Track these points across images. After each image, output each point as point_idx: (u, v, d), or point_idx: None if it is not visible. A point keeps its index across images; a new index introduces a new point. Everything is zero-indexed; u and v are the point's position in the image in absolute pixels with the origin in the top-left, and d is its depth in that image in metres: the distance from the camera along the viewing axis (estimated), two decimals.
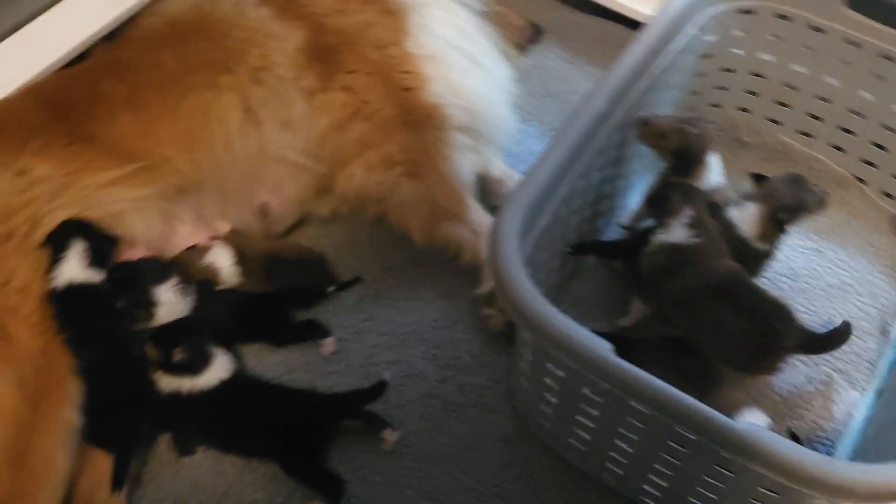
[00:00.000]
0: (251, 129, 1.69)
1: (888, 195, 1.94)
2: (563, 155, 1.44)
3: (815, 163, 1.99)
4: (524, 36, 2.17)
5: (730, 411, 1.41)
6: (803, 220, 1.66)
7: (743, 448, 1.12)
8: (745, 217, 1.64)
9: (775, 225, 1.63)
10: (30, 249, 1.51)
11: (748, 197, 1.67)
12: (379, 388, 1.57)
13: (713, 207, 1.62)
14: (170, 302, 1.56)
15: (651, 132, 1.68)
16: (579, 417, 1.40)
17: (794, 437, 1.45)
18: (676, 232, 1.55)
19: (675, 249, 1.53)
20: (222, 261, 1.71)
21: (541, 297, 1.24)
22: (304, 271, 1.81)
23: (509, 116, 1.99)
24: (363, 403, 1.57)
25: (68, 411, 1.44)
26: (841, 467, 1.09)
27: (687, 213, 1.56)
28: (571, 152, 1.46)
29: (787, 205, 1.62)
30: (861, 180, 1.96)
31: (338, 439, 1.58)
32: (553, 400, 1.43)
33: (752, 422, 1.39)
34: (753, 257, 1.66)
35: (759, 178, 1.72)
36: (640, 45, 1.62)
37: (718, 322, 1.47)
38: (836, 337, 1.48)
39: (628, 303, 1.71)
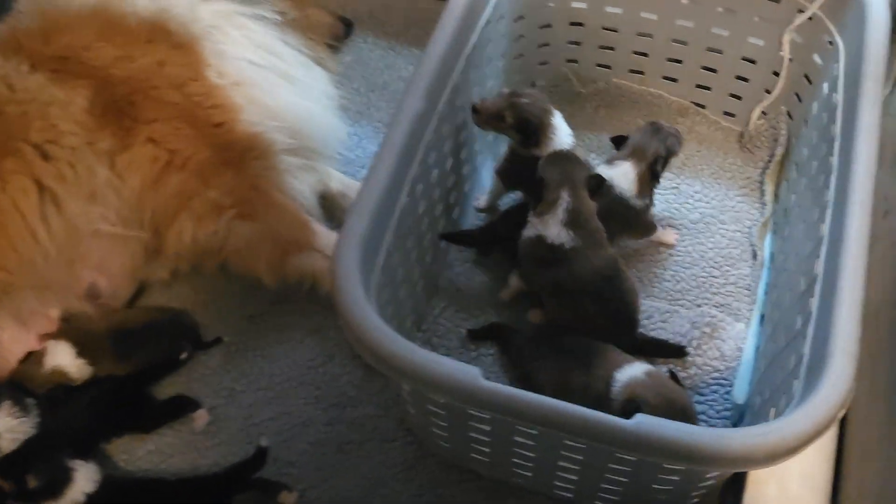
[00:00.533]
0: (53, 210, 1.53)
1: (729, 114, 1.94)
2: (390, 171, 1.36)
3: (653, 98, 1.97)
4: (334, 33, 2.06)
5: (615, 370, 1.41)
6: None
7: (634, 444, 1.08)
8: (622, 177, 1.62)
9: (652, 178, 1.63)
10: None
11: (619, 157, 1.65)
12: (260, 457, 1.48)
13: (595, 180, 1.57)
14: (9, 428, 1.41)
15: (484, 118, 1.62)
16: (473, 434, 1.34)
17: (674, 377, 1.42)
18: (552, 229, 1.51)
19: (550, 247, 1.51)
20: (63, 358, 1.56)
21: (395, 337, 1.16)
22: (162, 334, 1.67)
23: (337, 123, 1.90)
24: (249, 475, 1.47)
25: None
26: (733, 439, 1.06)
27: (564, 202, 1.51)
28: (399, 164, 1.38)
29: (660, 156, 1.62)
30: (700, 105, 1.95)
31: None
32: (443, 423, 1.36)
33: (633, 375, 1.38)
34: (635, 215, 1.65)
35: (618, 140, 1.69)
36: (446, 27, 1.54)
37: (586, 315, 1.50)
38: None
39: (507, 277, 1.68)
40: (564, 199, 1.51)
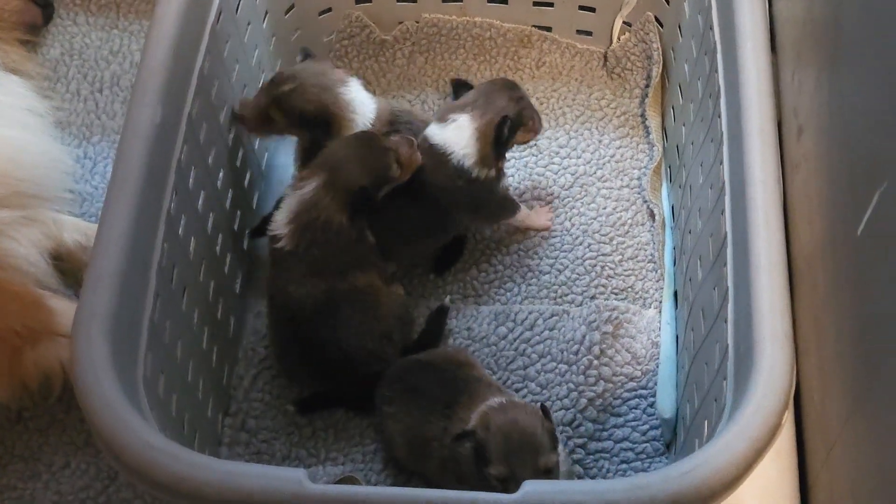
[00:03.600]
0: None
1: (584, 32, 1.99)
2: (131, 214, 1.32)
3: (480, 30, 1.99)
4: (27, 21, 2.00)
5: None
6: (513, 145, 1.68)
7: None
8: (456, 135, 1.62)
9: (495, 144, 1.62)
10: None
11: (455, 109, 1.66)
12: None
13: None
14: None
15: (253, 124, 1.65)
16: None
17: (545, 411, 1.42)
18: (278, 217, 1.57)
19: (272, 239, 1.58)
20: None
21: (179, 450, 1.14)
22: None
23: (55, 148, 1.85)
24: None
25: None
26: (648, 489, 1.08)
27: (306, 188, 1.55)
28: (143, 201, 1.34)
29: (508, 117, 1.61)
30: (544, 28, 2.00)
31: None
32: None
33: (488, 405, 1.40)
34: (483, 190, 1.66)
35: (460, 86, 1.71)
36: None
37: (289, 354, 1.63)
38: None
39: None
40: (310, 185, 1.55)
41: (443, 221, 1.68)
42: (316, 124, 1.62)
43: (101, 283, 1.26)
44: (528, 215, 1.77)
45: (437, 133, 1.64)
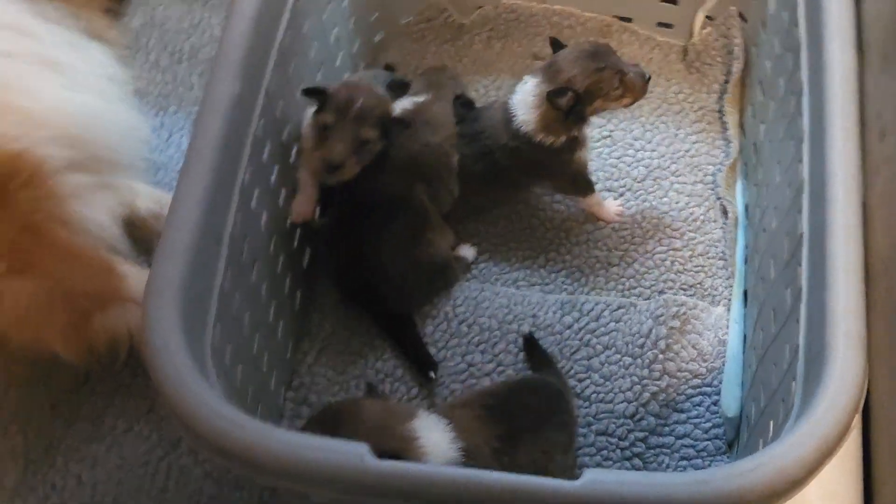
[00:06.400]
0: None
1: (664, 25, 1.98)
2: (207, 183, 1.33)
3: (560, 18, 2.00)
4: None
5: None
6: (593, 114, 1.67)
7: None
8: (521, 100, 1.65)
9: (555, 110, 1.61)
10: None
11: (535, 70, 1.68)
12: None
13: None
14: None
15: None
16: None
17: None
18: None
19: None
20: None
21: (243, 419, 1.14)
22: None
23: (134, 117, 1.85)
24: None
25: None
26: (711, 484, 1.07)
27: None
28: (220, 172, 1.36)
29: (573, 89, 1.60)
30: (625, 19, 1.99)
31: None
32: None
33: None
34: (548, 157, 1.66)
35: (557, 45, 1.69)
36: None
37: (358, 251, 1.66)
38: None
39: None
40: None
41: (501, 178, 1.71)
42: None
43: (174, 253, 1.28)
44: (598, 202, 1.77)
45: (514, 91, 1.68)
